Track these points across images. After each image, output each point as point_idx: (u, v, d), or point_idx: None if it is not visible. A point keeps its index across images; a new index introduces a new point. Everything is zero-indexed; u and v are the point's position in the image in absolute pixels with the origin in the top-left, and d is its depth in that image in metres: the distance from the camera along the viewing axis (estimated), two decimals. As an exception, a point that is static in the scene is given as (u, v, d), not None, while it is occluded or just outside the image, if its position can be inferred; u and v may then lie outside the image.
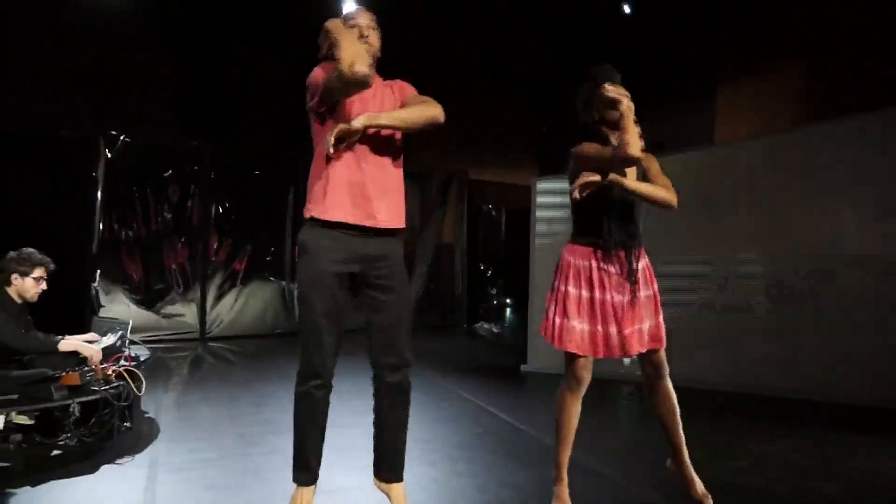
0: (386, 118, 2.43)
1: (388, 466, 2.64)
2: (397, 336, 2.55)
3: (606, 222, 2.70)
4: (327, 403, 2.58)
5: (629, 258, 2.71)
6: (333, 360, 2.53)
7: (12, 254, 3.82)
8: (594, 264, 2.70)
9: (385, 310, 2.53)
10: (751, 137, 6.12)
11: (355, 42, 2.38)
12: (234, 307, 8.45)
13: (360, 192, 2.45)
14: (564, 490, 2.77)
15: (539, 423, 4.29)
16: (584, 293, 2.70)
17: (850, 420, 4.30)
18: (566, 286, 2.72)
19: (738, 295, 5.32)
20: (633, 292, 2.69)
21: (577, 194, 2.64)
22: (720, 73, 8.49)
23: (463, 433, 4.12)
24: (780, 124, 7.28)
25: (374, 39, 2.59)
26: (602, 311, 2.68)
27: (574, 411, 2.74)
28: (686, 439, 2.85)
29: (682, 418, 2.82)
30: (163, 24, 8.11)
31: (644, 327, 2.72)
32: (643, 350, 2.72)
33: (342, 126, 2.37)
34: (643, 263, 2.77)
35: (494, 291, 12.16)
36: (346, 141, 2.40)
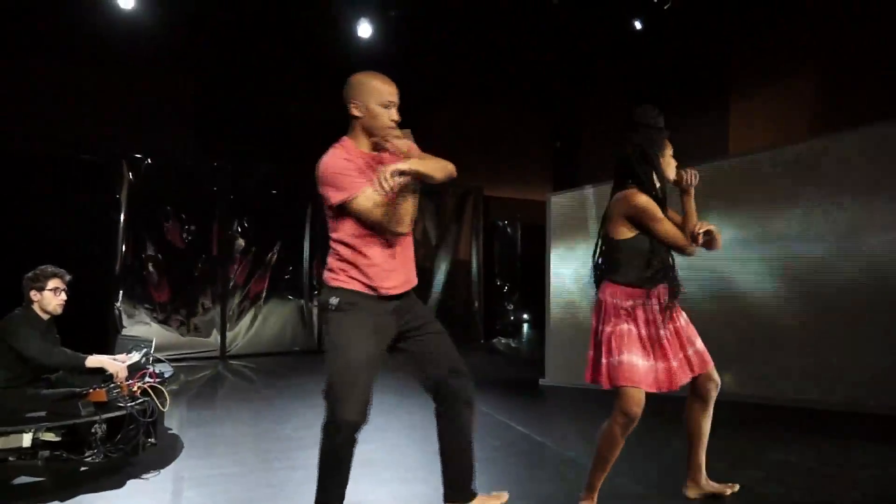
0: (421, 166, 2.42)
1: (468, 483, 2.72)
2: (452, 352, 2.67)
3: (650, 263, 2.73)
4: (352, 455, 2.57)
5: (671, 293, 2.75)
6: (363, 414, 2.51)
7: (27, 274, 3.91)
8: (637, 302, 2.73)
9: (428, 339, 2.63)
10: (772, 146, 6.11)
11: (404, 203, 2.47)
12: (253, 325, 8.55)
13: (380, 265, 2.51)
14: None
15: (558, 435, 4.32)
16: (632, 328, 2.71)
17: (870, 429, 4.27)
18: (612, 326, 2.72)
19: (759, 306, 5.30)
20: (664, 323, 2.74)
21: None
22: (733, 83, 8.52)
23: (483, 446, 4.12)
24: (793, 133, 7.28)
25: (396, 114, 2.54)
26: (652, 347, 2.71)
27: (620, 447, 2.73)
28: (708, 451, 2.90)
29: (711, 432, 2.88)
30: (184, 49, 8.28)
31: (689, 353, 2.77)
32: (694, 375, 2.78)
33: (395, 169, 2.31)
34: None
35: (511, 306, 12.18)
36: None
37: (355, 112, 2.50)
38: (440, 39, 8.58)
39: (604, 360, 2.69)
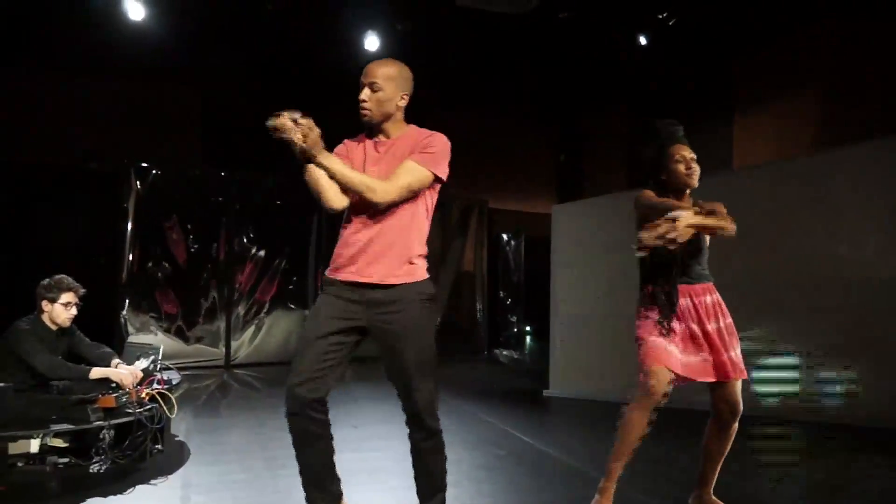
0: (328, 162, 2.47)
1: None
2: (413, 390, 2.48)
3: (669, 269, 2.80)
4: (303, 432, 2.48)
5: (672, 298, 2.78)
6: (303, 390, 2.42)
7: (43, 282, 3.93)
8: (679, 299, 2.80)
9: (396, 358, 2.48)
10: (782, 160, 6.14)
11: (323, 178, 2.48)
12: (257, 335, 8.57)
13: (359, 252, 2.46)
14: (610, 496, 2.78)
15: (562, 445, 4.33)
16: (664, 321, 2.76)
17: (875, 442, 4.28)
18: (644, 314, 2.82)
19: (760, 322, 5.32)
20: (669, 328, 2.75)
21: (641, 251, 2.64)
22: (737, 99, 8.58)
23: (486, 455, 4.16)
24: (797, 149, 7.32)
25: (390, 89, 2.51)
26: (683, 340, 2.76)
27: (641, 428, 2.68)
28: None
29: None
30: (192, 60, 8.36)
31: (724, 357, 2.76)
32: (709, 379, 2.76)
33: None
34: (712, 299, 2.84)
35: (514, 318, 12.19)
36: None
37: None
38: (446, 52, 8.66)
39: (643, 342, 2.75)
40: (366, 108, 2.50)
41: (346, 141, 2.67)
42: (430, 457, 2.60)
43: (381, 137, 2.57)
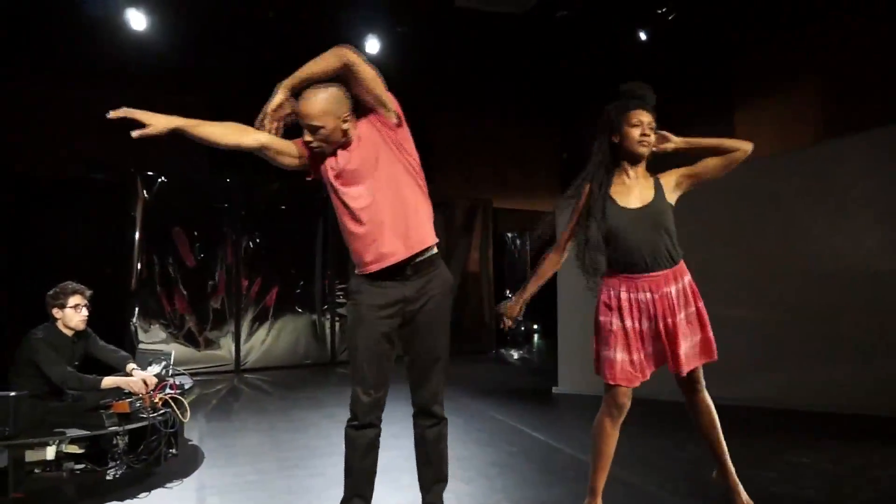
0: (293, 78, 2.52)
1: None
2: (428, 379, 2.59)
3: (620, 249, 2.69)
4: (366, 445, 2.55)
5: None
6: (374, 400, 2.53)
7: (49, 292, 3.99)
8: (623, 293, 2.69)
9: (424, 349, 2.58)
10: (783, 153, 6.14)
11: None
12: (266, 339, 8.62)
13: (375, 236, 2.48)
14: None
15: (573, 441, 4.35)
16: (616, 322, 2.69)
17: (885, 432, 4.29)
18: (599, 317, 2.78)
19: (771, 313, 5.33)
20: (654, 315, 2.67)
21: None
22: (737, 92, 8.59)
23: (498, 452, 4.20)
24: (799, 141, 7.33)
25: (330, 122, 2.46)
26: (635, 339, 2.67)
27: (613, 438, 2.72)
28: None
29: (729, 435, 2.83)
30: (195, 68, 8.42)
31: (683, 348, 2.64)
32: (681, 369, 2.63)
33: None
34: (677, 288, 2.68)
35: (521, 317, 12.19)
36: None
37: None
38: (446, 54, 8.70)
39: (595, 352, 2.78)
40: (317, 146, 2.51)
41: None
42: (436, 444, 2.65)
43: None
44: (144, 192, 7.80)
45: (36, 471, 3.70)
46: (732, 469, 2.82)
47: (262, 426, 5.15)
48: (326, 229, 8.91)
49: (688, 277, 2.73)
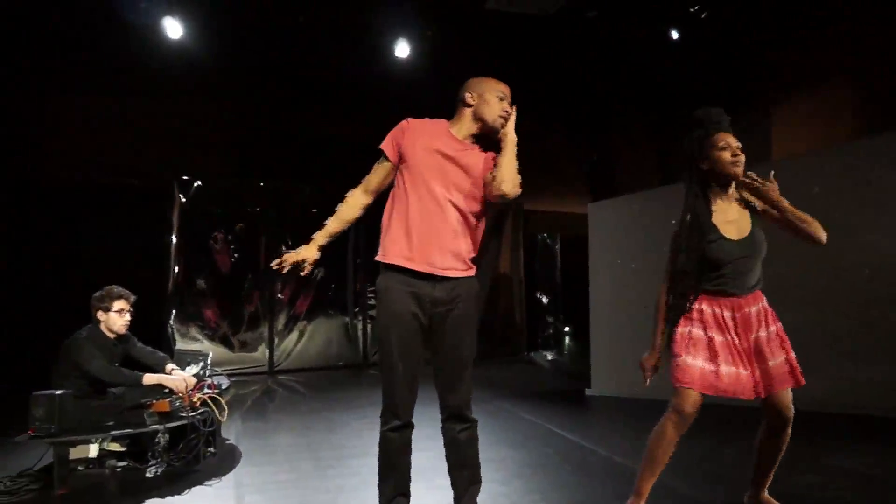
0: (513, 151, 2.76)
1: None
2: (457, 384, 2.59)
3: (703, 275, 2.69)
4: (406, 445, 2.59)
5: (679, 309, 2.70)
6: (410, 400, 2.57)
7: (95, 294, 4.10)
8: (704, 306, 2.68)
9: (452, 352, 2.57)
10: (823, 149, 6.04)
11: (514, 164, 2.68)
12: (300, 341, 8.71)
13: (422, 239, 2.51)
14: None
15: (608, 443, 4.32)
16: (696, 332, 2.65)
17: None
18: (677, 327, 2.70)
19: (806, 314, 5.24)
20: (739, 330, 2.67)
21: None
22: (774, 89, 8.46)
23: (532, 454, 4.18)
24: (836, 139, 7.20)
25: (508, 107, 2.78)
26: (713, 349, 2.63)
27: (671, 446, 2.64)
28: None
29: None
30: (230, 75, 8.54)
31: (761, 368, 2.64)
32: (748, 396, 2.63)
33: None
34: (757, 308, 2.70)
35: (552, 319, 12.16)
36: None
37: (469, 100, 2.67)
38: (475, 56, 8.70)
39: (674, 359, 2.67)
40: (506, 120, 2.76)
41: (418, 122, 2.69)
42: (468, 447, 2.64)
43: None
44: (181, 196, 7.95)
45: (80, 468, 3.79)
46: (766, 494, 2.81)
47: (296, 426, 5.21)
48: (358, 233, 8.97)
49: (765, 301, 2.76)
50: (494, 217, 10.50)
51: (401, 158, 2.61)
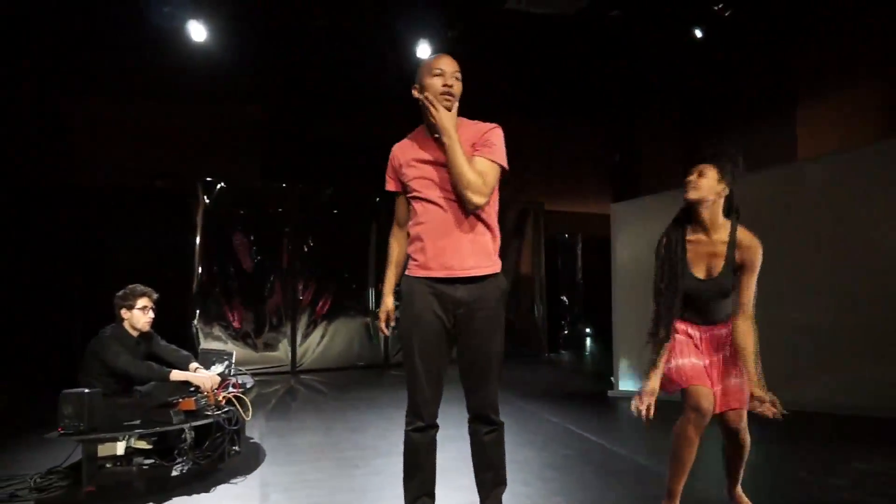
0: (453, 150, 2.46)
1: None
2: (482, 385, 2.57)
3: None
4: (430, 445, 2.60)
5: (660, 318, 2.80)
6: (435, 401, 2.58)
7: (118, 293, 4.15)
8: (678, 324, 2.82)
9: (478, 353, 2.56)
10: (848, 149, 5.95)
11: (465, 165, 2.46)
12: (321, 341, 8.77)
13: (435, 246, 2.52)
14: None
15: (631, 444, 4.30)
16: (679, 336, 2.81)
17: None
18: (673, 340, 2.81)
19: (832, 315, 5.17)
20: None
21: None
22: (800, 89, 8.36)
23: (554, 455, 4.17)
24: (861, 139, 7.09)
25: (458, 88, 2.55)
26: (697, 349, 2.80)
27: (694, 445, 2.69)
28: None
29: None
30: (252, 78, 8.63)
31: (723, 385, 2.75)
32: (724, 408, 2.73)
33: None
34: (720, 332, 2.79)
35: (573, 320, 12.13)
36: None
37: (416, 94, 2.55)
38: (497, 57, 8.70)
39: (667, 367, 2.76)
40: (452, 98, 2.53)
41: (399, 145, 2.67)
42: (494, 449, 2.64)
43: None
44: (205, 198, 8.03)
45: (107, 465, 3.84)
46: (740, 489, 2.93)
47: (319, 426, 5.24)
48: (379, 233, 9.01)
49: (728, 328, 2.80)
50: (516, 217, 10.50)
51: (402, 185, 2.64)
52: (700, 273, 2.76)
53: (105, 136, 8.57)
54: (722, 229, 2.75)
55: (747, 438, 2.78)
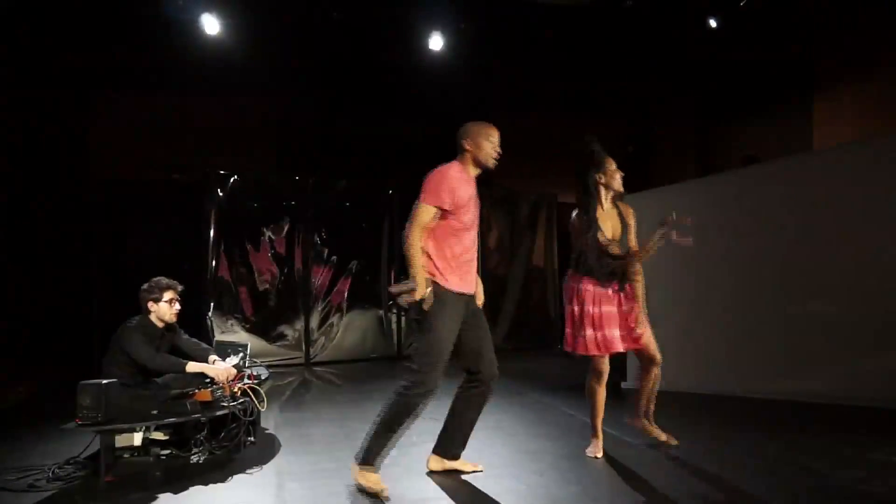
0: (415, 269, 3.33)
1: (458, 447, 3.55)
2: (491, 345, 3.56)
3: (598, 260, 3.85)
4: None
5: (622, 282, 3.92)
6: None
7: (143, 286, 4.21)
8: (590, 287, 3.86)
9: (477, 332, 3.47)
10: (865, 139, 5.89)
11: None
12: (335, 334, 8.80)
13: (467, 270, 3.41)
14: (599, 440, 3.96)
15: (643, 434, 4.29)
16: (590, 309, 3.83)
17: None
18: (576, 306, 3.91)
19: (852, 304, 5.13)
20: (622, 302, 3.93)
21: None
22: (817, 79, 8.28)
23: (568, 445, 4.19)
24: (880, 129, 7.02)
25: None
26: (603, 320, 3.80)
27: (602, 394, 3.98)
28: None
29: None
30: (266, 71, 8.65)
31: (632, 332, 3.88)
32: (632, 347, 3.95)
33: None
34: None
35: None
36: None
37: (466, 147, 3.41)
38: (510, 49, 8.67)
39: (570, 332, 3.96)
40: (496, 162, 3.49)
41: (458, 177, 3.36)
42: (487, 401, 3.55)
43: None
44: (219, 190, 8.07)
45: (125, 456, 3.89)
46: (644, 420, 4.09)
47: (333, 416, 5.27)
48: (392, 227, 9.02)
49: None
50: (529, 209, 10.48)
51: (453, 207, 3.27)
52: (608, 233, 3.93)
53: (120, 129, 8.63)
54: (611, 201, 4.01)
55: (657, 370, 3.94)
